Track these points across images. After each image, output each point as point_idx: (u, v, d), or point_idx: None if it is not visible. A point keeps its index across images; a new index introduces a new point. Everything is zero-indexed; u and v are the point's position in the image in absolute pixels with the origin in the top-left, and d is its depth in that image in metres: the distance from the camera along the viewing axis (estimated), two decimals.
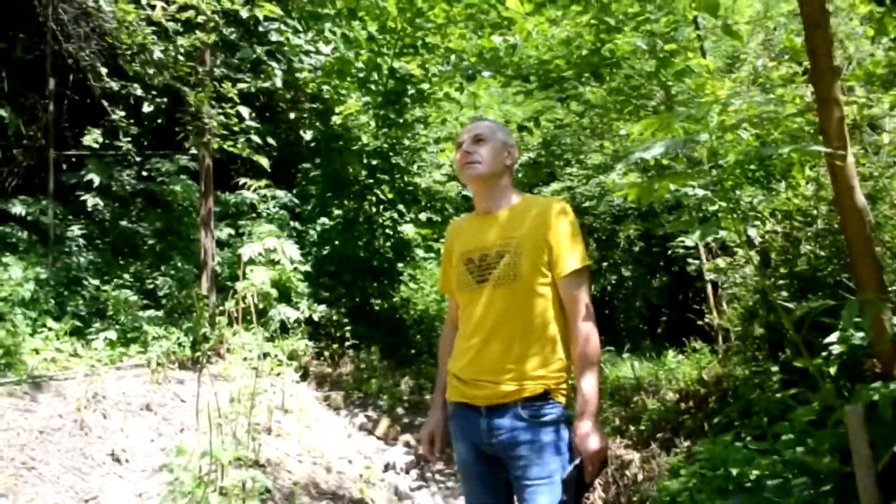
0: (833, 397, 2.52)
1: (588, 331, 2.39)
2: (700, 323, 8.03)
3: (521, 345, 2.40)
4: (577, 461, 2.32)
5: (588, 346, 2.38)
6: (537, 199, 2.61)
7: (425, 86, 9.07)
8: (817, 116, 2.71)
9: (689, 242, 5.80)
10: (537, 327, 2.41)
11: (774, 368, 3.82)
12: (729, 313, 7.01)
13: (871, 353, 2.84)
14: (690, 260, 7.14)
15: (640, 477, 4.55)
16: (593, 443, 2.28)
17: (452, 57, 7.01)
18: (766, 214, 5.27)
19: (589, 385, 2.34)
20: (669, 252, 7.58)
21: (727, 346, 7.25)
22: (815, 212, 4.95)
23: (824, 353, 3.89)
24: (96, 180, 8.22)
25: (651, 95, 6.46)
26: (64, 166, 8.62)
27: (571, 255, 2.42)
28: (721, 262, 6.60)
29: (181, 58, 7.03)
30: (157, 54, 6.95)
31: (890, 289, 2.75)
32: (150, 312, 7.23)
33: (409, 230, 9.75)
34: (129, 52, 7.17)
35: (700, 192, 4.59)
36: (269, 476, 4.46)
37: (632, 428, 5.66)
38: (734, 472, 2.86)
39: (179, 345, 6.47)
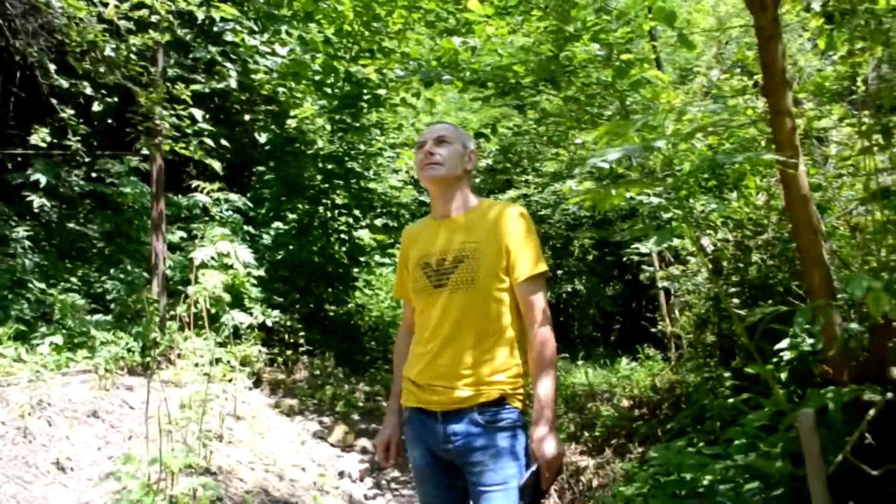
0: (785, 402, 2.56)
1: (545, 336, 2.38)
2: (653, 330, 8.15)
3: (477, 350, 2.38)
4: (533, 467, 2.30)
5: (545, 350, 2.37)
6: (495, 203, 2.59)
7: (382, 91, 9.04)
8: (770, 127, 2.75)
9: (643, 250, 5.86)
10: (494, 332, 2.40)
11: (727, 374, 3.87)
12: (681, 321, 7.12)
13: (821, 359, 2.89)
14: (645, 267, 7.23)
15: (594, 483, 4.57)
16: (550, 448, 2.27)
17: (412, 63, 7.00)
18: (718, 223, 5.37)
19: (545, 390, 2.33)
20: (624, 259, 7.66)
21: (679, 353, 7.36)
22: (765, 221, 5.05)
23: (775, 359, 3.97)
24: (43, 180, 8.00)
25: (606, 105, 6.52)
26: (9, 165, 8.39)
27: (528, 259, 2.41)
28: (674, 269, 6.70)
29: (133, 57, 6.89)
30: (109, 52, 6.80)
31: (839, 296, 2.81)
32: (98, 317, 7.03)
33: (364, 235, 9.70)
34: (78, 50, 7.00)
35: (655, 200, 4.67)
36: (221, 484, 4.37)
37: (586, 434, 5.69)
38: (688, 476, 2.89)
39: (128, 350, 6.30)
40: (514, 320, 2.43)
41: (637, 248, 6.11)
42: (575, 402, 7.03)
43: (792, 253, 4.47)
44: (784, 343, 3.76)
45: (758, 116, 3.49)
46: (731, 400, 3.72)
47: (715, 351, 6.16)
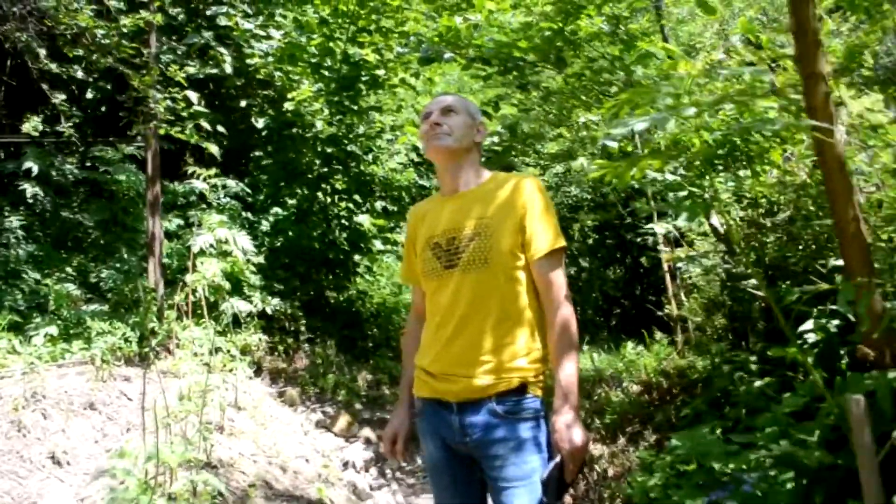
0: (822, 387, 2.40)
1: (566, 316, 2.21)
2: (660, 314, 7.99)
3: (495, 334, 2.21)
4: (556, 459, 2.14)
5: (566, 332, 2.20)
6: (509, 176, 2.41)
7: (380, 72, 8.84)
8: (802, 93, 2.58)
9: (659, 230, 5.69)
10: (512, 314, 2.23)
11: (753, 358, 3.71)
12: (690, 304, 6.96)
13: (861, 340, 2.72)
14: (661, 248, 7.05)
15: (609, 472, 4.41)
16: (576, 437, 2.10)
17: (411, 39, 6.81)
18: (732, 201, 5.19)
19: (568, 374, 2.16)
20: (638, 239, 7.47)
21: (686, 337, 7.20)
22: (779, 198, 4.87)
23: (799, 341, 3.81)
24: (35, 169, 7.82)
25: (612, 81, 6.33)
26: (1, 154, 8.23)
27: (546, 235, 2.24)
28: (682, 251, 6.54)
29: (124, 42, 6.70)
30: (99, 36, 6.61)
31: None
32: (94, 306, 6.90)
33: (364, 221, 9.52)
34: (69, 34, 6.82)
35: (670, 178, 4.49)
36: (222, 478, 4.21)
37: (597, 421, 5.53)
38: (716, 466, 2.72)
39: (125, 340, 6.17)
40: (531, 301, 2.25)
41: (651, 229, 5.93)
42: (583, 388, 6.85)
43: (812, 232, 4.30)
44: (809, 324, 3.60)
45: (783, 83, 3.31)
46: (757, 383, 3.54)
47: (726, 334, 6.00)
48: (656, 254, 7.23)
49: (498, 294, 2.23)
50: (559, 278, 2.24)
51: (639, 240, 7.16)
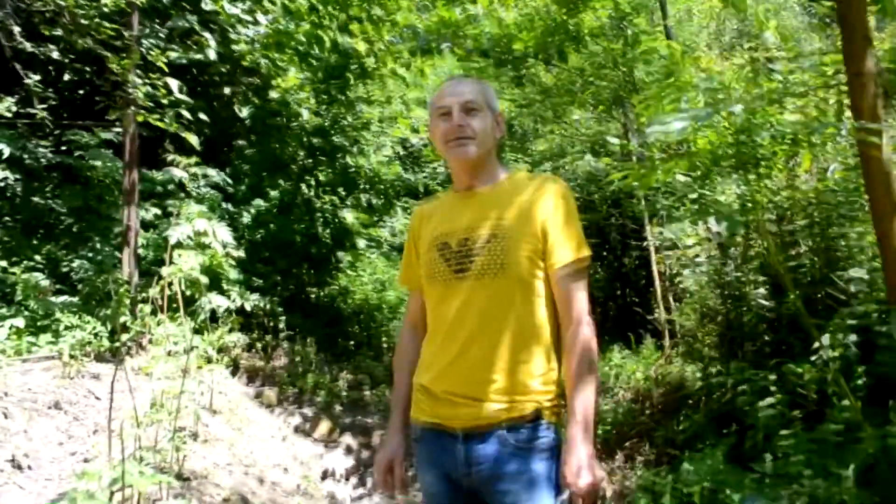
0: (859, 415, 2.17)
1: (587, 337, 1.95)
2: (650, 318, 7.80)
3: (509, 352, 1.94)
4: (563, 496, 1.89)
5: (587, 354, 1.93)
6: (532, 176, 2.15)
7: (370, 60, 8.57)
8: (848, 92, 2.35)
9: (668, 234, 5.46)
10: (529, 330, 1.97)
11: (773, 377, 3.49)
12: (682, 308, 6.76)
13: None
14: (652, 250, 6.83)
15: (608, 492, 4.14)
16: (592, 476, 1.83)
17: (405, 31, 6.54)
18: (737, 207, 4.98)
19: (586, 404, 1.90)
20: (649, 243, 7.23)
21: (674, 343, 7.00)
22: (789, 205, 4.66)
23: (813, 357, 3.59)
24: (7, 151, 7.48)
25: (613, 78, 6.12)
26: None
27: (569, 243, 1.98)
28: (674, 254, 6.33)
29: (105, 23, 6.39)
30: (79, 15, 6.30)
31: None
32: (64, 298, 6.60)
33: (347, 215, 9.25)
34: (47, 11, 6.50)
35: (682, 179, 4.27)
36: (195, 491, 3.94)
37: None
38: (735, 498, 2.49)
39: (96, 335, 5.89)
40: (550, 316, 1.99)
41: (659, 233, 5.71)
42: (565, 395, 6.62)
43: (827, 241, 4.10)
44: (825, 340, 3.39)
45: (822, 83, 3.09)
46: (768, 401, 3.32)
47: (722, 342, 5.78)
48: (642, 254, 7.02)
49: (514, 306, 1.96)
50: (581, 293, 1.99)
51: (656, 243, 6.89)
